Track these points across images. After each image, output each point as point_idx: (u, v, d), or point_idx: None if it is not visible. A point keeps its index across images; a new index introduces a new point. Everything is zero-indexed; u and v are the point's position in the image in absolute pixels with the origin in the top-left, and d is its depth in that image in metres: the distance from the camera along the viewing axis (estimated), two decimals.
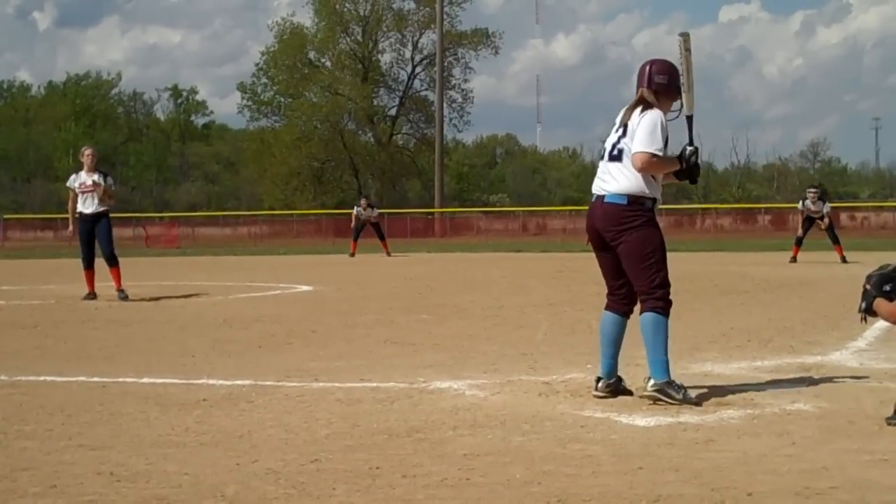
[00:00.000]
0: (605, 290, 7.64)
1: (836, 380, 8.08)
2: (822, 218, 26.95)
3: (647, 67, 7.53)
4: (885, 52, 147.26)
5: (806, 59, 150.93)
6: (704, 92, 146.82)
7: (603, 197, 7.40)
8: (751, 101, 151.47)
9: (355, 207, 37.49)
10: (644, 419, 6.64)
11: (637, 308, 7.46)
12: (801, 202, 27.86)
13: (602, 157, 7.53)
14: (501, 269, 25.95)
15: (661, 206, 7.59)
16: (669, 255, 7.38)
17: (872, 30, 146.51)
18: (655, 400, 7.14)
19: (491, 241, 51.93)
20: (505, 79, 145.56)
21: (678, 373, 8.36)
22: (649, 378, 7.23)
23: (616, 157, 7.39)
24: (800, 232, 27.51)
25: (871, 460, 5.48)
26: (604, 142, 7.63)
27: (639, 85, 7.50)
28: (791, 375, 8.31)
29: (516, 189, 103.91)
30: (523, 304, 15.48)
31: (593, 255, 7.68)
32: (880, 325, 11.24)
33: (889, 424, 6.28)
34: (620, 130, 7.41)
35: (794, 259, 26.51)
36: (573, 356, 9.53)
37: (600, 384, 7.47)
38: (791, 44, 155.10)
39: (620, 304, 7.58)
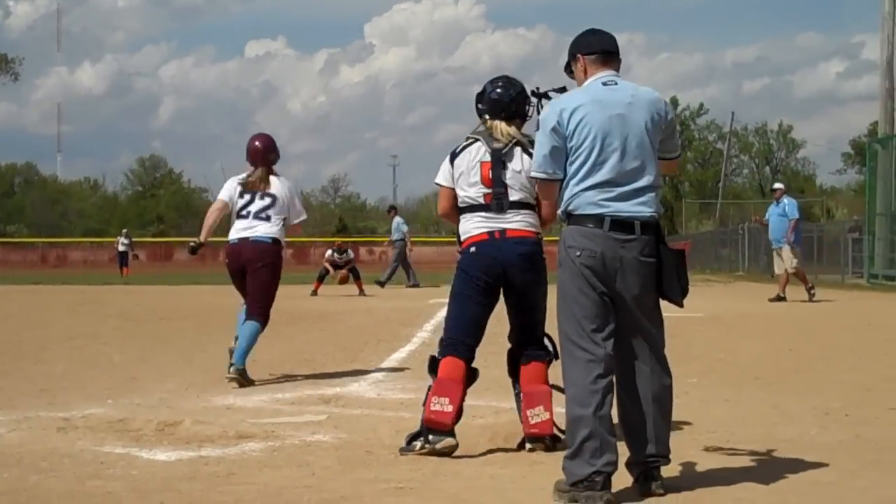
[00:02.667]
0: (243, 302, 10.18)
1: (354, 411, 8.32)
2: (346, 264, 28.27)
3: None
4: (404, 92, 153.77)
5: (329, 97, 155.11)
6: (231, 125, 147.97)
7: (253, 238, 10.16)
8: (276, 136, 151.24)
9: None
10: (165, 454, 6.60)
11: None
12: (330, 252, 29.22)
13: (243, 215, 10.24)
14: (19, 302, 25.00)
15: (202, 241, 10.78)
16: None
17: (392, 70, 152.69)
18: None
19: (8, 274, 49.75)
20: (27, 106, 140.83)
21: (200, 406, 8.41)
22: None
23: (267, 218, 10.15)
24: (322, 269, 28.46)
25: (387, 488, 5.69)
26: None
27: (275, 157, 10.64)
28: (311, 407, 8.50)
29: (35, 219, 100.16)
30: (43, 337, 14.97)
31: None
32: (397, 356, 11.72)
33: (402, 454, 6.53)
34: (268, 199, 10.17)
35: (314, 293, 27.04)
36: (94, 391, 9.35)
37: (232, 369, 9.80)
38: (315, 81, 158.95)
39: None
